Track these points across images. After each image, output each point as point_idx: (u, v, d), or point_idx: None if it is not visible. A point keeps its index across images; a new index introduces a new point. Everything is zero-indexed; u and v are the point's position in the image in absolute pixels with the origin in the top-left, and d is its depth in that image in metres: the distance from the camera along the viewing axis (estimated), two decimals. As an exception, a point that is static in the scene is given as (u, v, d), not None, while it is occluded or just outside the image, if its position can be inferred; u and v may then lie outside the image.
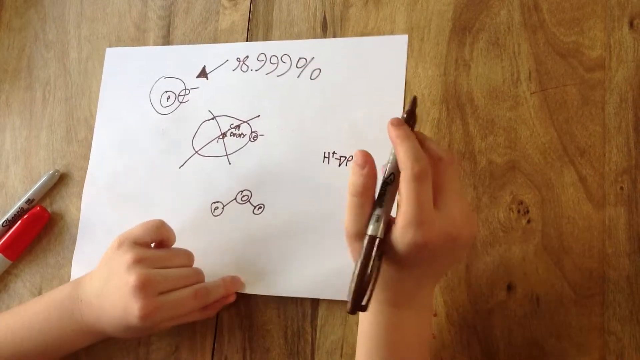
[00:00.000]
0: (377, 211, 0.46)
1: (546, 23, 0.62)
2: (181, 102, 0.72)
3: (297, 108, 0.68)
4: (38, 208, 0.73)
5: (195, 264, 0.64)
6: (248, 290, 0.64)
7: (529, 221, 0.59)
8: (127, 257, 0.59)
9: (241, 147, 0.68)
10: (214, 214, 0.68)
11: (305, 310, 0.63)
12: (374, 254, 0.46)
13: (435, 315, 0.59)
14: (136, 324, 0.57)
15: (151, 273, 0.58)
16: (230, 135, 0.69)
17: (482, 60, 0.63)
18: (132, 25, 0.77)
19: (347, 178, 0.47)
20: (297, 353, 0.63)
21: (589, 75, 0.60)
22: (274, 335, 0.64)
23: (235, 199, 0.67)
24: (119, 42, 0.76)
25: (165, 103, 0.72)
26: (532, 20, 0.62)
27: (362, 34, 0.67)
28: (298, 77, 0.68)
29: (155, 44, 0.75)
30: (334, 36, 0.68)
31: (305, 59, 0.68)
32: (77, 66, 0.77)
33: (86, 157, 0.74)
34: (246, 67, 0.70)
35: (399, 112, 0.63)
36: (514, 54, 0.62)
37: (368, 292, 0.46)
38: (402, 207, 0.45)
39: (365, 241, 0.46)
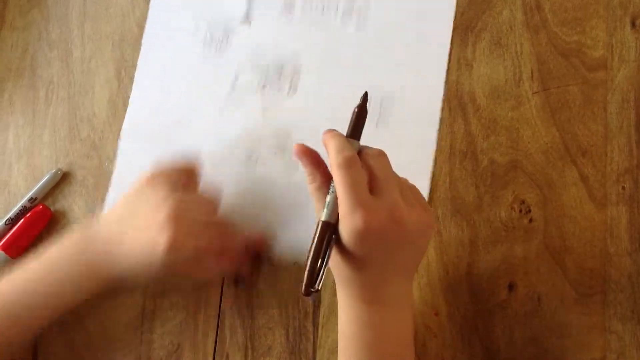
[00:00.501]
0: (328, 197, 0.48)
1: (548, 23, 0.62)
2: (223, 49, 0.72)
3: (340, 60, 0.68)
4: (40, 206, 0.73)
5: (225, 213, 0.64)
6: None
7: (530, 220, 0.59)
8: (160, 191, 0.58)
9: (280, 98, 0.68)
10: (248, 163, 0.67)
11: (306, 308, 0.63)
12: (316, 237, 0.47)
13: (436, 314, 0.59)
14: (160, 257, 0.55)
15: (184, 211, 0.57)
16: (269, 87, 0.69)
17: (485, 60, 0.63)
18: (135, 24, 0.77)
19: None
20: (299, 351, 0.63)
21: (591, 75, 0.60)
22: (275, 334, 0.64)
23: (271, 149, 0.67)
24: (122, 42, 0.77)
25: (207, 49, 0.73)
26: (534, 20, 0.62)
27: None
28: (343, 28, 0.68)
29: (158, 43, 0.75)
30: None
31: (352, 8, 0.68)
32: (80, 65, 0.78)
33: (89, 156, 0.74)
34: (291, 15, 0.70)
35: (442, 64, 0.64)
36: (516, 53, 0.62)
37: (320, 276, 0.46)
38: (338, 198, 0.46)
39: (317, 226, 0.47)
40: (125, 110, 0.74)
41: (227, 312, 0.66)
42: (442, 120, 0.63)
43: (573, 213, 0.58)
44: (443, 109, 0.63)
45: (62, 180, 0.74)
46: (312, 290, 0.46)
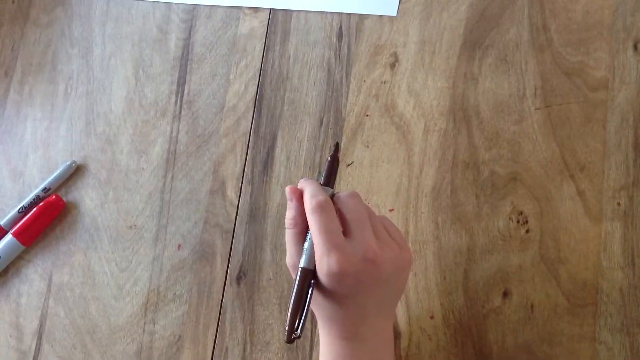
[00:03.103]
0: (305, 244, 0.49)
1: (554, 43, 0.64)
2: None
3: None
4: (54, 197, 0.75)
5: None
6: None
7: (527, 231, 0.61)
8: None
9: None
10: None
11: (306, 306, 0.65)
12: (296, 284, 0.48)
13: (431, 317, 0.61)
14: None
15: None
16: None
17: (490, 75, 0.65)
18: (155, 26, 0.79)
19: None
20: (296, 348, 0.64)
21: (592, 94, 0.62)
22: (274, 330, 0.66)
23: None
24: (141, 42, 0.79)
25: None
26: (540, 39, 0.65)
27: (376, 45, 0.70)
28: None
29: (177, 46, 0.78)
30: (349, 46, 0.71)
31: None
32: (99, 63, 0.80)
33: (103, 150, 0.76)
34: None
35: None
36: (521, 70, 0.64)
37: (302, 321, 0.47)
38: (314, 242, 0.47)
39: (297, 272, 0.48)
40: (141, 107, 0.77)
41: (229, 306, 0.68)
42: (446, 131, 0.65)
43: (569, 226, 0.60)
44: (448, 120, 0.65)
45: (76, 172, 0.77)
46: (294, 336, 0.46)
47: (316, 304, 0.50)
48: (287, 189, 0.51)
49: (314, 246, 0.47)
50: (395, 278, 0.50)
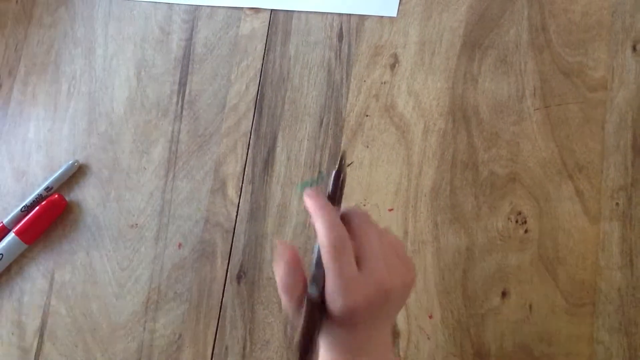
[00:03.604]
0: (312, 270, 0.46)
1: (553, 43, 0.64)
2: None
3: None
4: (56, 196, 0.76)
5: None
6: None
7: (526, 231, 0.61)
8: None
9: None
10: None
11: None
12: (305, 316, 0.46)
13: (430, 317, 0.61)
14: None
15: None
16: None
17: (490, 76, 0.65)
18: (157, 27, 0.80)
19: None
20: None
21: (591, 94, 0.62)
22: (274, 328, 0.66)
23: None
24: (143, 43, 0.80)
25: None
26: (539, 40, 0.65)
27: (376, 46, 0.70)
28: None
29: (178, 46, 0.78)
30: (349, 46, 0.71)
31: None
32: (102, 63, 0.81)
33: (105, 150, 0.77)
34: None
35: None
36: (520, 71, 0.65)
37: (312, 352, 0.46)
38: (326, 275, 0.45)
39: (305, 303, 0.46)
40: (143, 107, 0.77)
41: (229, 305, 0.68)
42: (445, 131, 0.65)
43: (567, 226, 0.60)
44: (447, 120, 0.66)
45: (78, 171, 0.77)
46: None
47: (322, 332, 0.49)
48: (280, 246, 0.48)
49: (327, 280, 0.45)
50: (401, 298, 0.50)
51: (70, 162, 0.77)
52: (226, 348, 0.67)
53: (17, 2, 0.87)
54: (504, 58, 0.65)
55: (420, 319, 0.62)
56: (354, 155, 0.68)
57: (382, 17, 0.70)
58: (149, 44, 0.80)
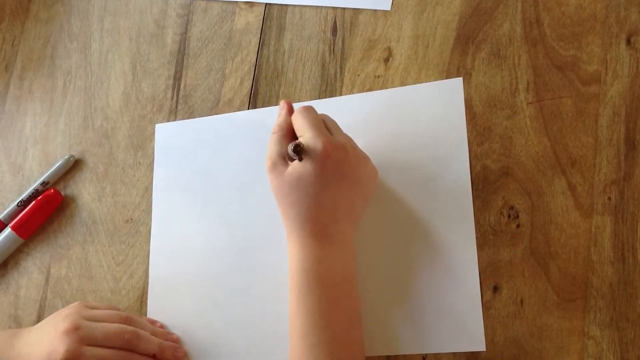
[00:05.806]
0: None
1: (546, 37, 0.64)
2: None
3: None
4: (52, 190, 0.76)
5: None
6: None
7: (518, 226, 0.61)
8: (66, 313, 0.62)
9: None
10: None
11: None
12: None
13: (422, 311, 0.61)
14: None
15: (83, 322, 0.60)
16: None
17: (483, 70, 0.65)
18: (152, 21, 0.80)
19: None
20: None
21: (585, 88, 0.62)
22: (267, 323, 0.66)
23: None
24: (139, 37, 0.80)
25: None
26: (533, 33, 0.64)
27: (370, 40, 0.70)
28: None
29: (173, 41, 0.78)
30: (343, 40, 0.71)
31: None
32: (97, 57, 0.81)
33: (101, 145, 0.77)
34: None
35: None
36: (514, 65, 0.64)
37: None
38: (304, 132, 0.58)
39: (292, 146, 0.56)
40: (138, 101, 0.77)
41: (223, 300, 0.68)
42: (439, 125, 0.65)
43: (559, 220, 0.60)
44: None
45: (74, 166, 0.78)
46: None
47: (292, 203, 0.57)
48: (283, 101, 0.63)
49: (303, 133, 0.57)
50: (366, 184, 0.61)
51: (66, 157, 0.77)
52: (220, 342, 0.67)
53: (14, -4, 0.87)
54: (497, 52, 0.65)
55: (412, 313, 0.62)
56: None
57: (376, 10, 0.70)
58: (144, 38, 0.80)
